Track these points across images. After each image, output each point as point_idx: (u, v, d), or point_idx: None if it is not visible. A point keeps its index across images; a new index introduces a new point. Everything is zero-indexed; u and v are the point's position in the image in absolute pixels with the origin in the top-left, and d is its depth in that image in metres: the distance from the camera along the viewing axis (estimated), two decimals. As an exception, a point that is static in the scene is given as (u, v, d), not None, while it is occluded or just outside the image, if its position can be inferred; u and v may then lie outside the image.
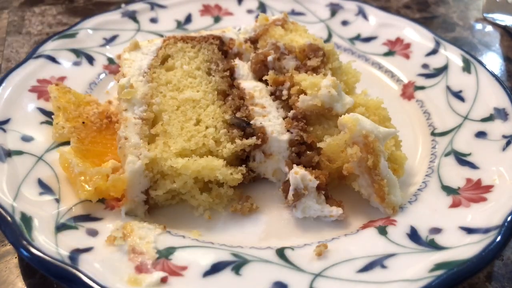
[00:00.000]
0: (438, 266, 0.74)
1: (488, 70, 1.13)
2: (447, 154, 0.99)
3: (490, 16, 1.59)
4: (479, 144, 0.98)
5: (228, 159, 0.92)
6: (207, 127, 0.93)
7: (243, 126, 0.94)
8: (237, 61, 1.07)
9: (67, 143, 0.96)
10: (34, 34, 1.47)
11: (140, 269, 0.75)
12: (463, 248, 0.77)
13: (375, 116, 0.94)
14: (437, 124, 1.06)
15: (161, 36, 1.20)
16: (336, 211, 0.87)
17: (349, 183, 0.91)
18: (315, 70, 1.01)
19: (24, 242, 0.75)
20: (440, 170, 0.95)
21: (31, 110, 1.03)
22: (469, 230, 0.81)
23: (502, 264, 0.87)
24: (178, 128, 0.92)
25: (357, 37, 1.33)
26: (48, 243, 0.76)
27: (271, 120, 0.95)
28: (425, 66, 1.21)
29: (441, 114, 1.08)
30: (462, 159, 0.96)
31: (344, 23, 1.37)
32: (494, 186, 0.88)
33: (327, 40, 1.32)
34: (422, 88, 1.16)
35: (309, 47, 1.03)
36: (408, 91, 1.17)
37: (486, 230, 0.79)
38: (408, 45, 1.27)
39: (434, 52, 1.23)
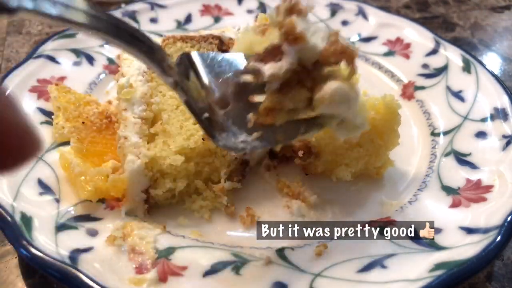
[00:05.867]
0: (438, 266, 0.74)
1: (488, 70, 1.13)
2: (447, 154, 0.98)
3: None
4: (479, 144, 0.98)
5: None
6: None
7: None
8: (237, 61, 1.07)
9: (67, 143, 0.95)
10: (34, 34, 1.47)
11: (140, 269, 0.75)
12: (463, 248, 0.77)
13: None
14: (437, 124, 1.06)
15: (161, 36, 1.20)
16: None
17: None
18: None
19: (24, 242, 0.75)
20: (440, 170, 0.95)
21: (31, 110, 1.03)
22: (469, 230, 0.81)
23: (502, 264, 0.87)
24: (177, 127, 0.92)
25: (357, 37, 1.33)
26: (48, 243, 0.76)
27: None
28: (425, 66, 1.21)
29: (441, 114, 1.08)
30: (462, 159, 0.96)
31: (344, 23, 1.37)
32: (494, 186, 0.88)
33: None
34: (422, 88, 1.16)
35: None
36: (408, 91, 1.17)
37: (486, 230, 0.79)
38: (408, 45, 1.27)
39: (434, 52, 1.23)
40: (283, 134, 0.74)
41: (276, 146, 0.82)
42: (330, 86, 0.71)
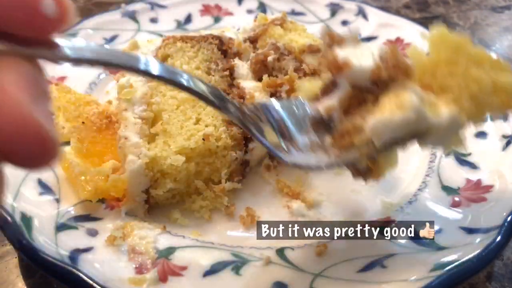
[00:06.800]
0: (438, 266, 0.74)
1: (488, 70, 1.13)
2: (447, 154, 0.98)
3: None
4: (479, 144, 0.98)
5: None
6: (206, 126, 0.93)
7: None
8: (236, 61, 1.07)
9: (67, 143, 0.95)
10: (34, 34, 1.47)
11: (140, 269, 0.75)
12: (463, 248, 0.77)
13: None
14: (437, 124, 1.06)
15: (161, 36, 1.20)
16: None
17: None
18: (314, 73, 1.00)
19: (24, 242, 0.75)
20: (440, 170, 0.95)
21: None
22: (469, 230, 0.81)
23: (502, 264, 0.88)
24: (178, 127, 0.92)
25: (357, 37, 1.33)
26: (48, 243, 0.76)
27: None
28: (425, 66, 1.20)
29: (441, 114, 1.08)
30: (462, 159, 0.96)
31: (344, 23, 1.37)
32: (494, 186, 0.89)
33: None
34: (422, 88, 1.16)
35: (308, 48, 1.03)
36: (408, 91, 1.16)
37: (486, 230, 0.79)
38: (408, 45, 1.27)
39: (434, 52, 1.22)
40: (366, 149, 0.69)
41: (360, 162, 0.75)
42: (369, 125, 0.67)
